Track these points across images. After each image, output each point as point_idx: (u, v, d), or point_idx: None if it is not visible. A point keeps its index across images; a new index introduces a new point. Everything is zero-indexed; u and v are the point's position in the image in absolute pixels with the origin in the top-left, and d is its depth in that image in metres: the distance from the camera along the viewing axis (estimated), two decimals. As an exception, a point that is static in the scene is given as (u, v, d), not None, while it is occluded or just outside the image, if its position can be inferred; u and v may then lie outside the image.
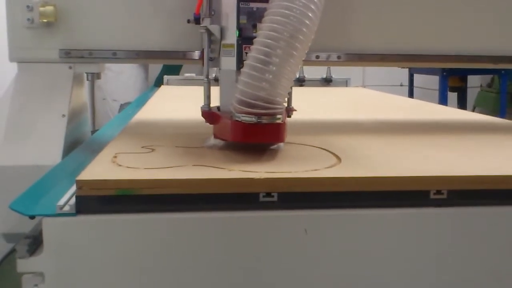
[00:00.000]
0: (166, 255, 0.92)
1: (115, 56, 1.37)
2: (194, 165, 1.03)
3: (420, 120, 1.85)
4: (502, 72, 4.54)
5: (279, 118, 1.07)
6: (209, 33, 1.17)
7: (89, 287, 0.91)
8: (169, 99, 2.19)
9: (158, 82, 3.60)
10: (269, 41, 1.03)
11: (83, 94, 1.58)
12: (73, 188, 0.94)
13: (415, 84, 5.27)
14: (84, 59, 1.36)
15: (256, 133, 1.07)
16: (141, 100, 2.12)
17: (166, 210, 0.92)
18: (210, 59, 1.19)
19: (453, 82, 4.74)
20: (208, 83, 1.21)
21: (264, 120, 1.05)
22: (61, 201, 0.91)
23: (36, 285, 0.92)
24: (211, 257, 0.93)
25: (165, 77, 3.39)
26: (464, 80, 4.95)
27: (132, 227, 0.91)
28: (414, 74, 5.18)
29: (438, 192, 0.98)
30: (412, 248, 0.97)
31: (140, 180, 0.92)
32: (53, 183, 1.04)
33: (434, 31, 1.52)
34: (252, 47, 1.07)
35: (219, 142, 1.20)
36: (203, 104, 1.21)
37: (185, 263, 0.92)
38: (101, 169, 0.98)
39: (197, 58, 1.37)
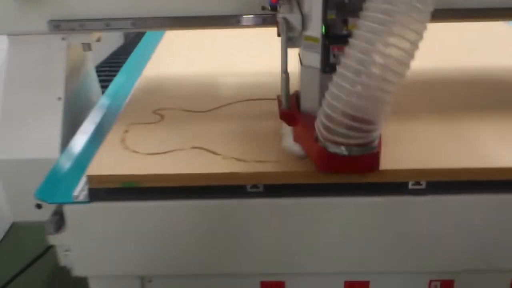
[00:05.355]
0: (163, 234, 1.08)
1: (108, 26, 1.24)
2: (194, 148, 1.13)
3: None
4: None
5: (373, 148, 0.92)
6: (288, 22, 1.00)
7: (103, 256, 1.10)
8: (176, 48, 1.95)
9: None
10: (367, 45, 0.84)
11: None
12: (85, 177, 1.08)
13: None
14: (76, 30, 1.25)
15: (347, 165, 0.93)
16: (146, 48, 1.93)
17: (164, 198, 1.05)
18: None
19: None
20: (287, 79, 1.04)
21: (356, 152, 0.91)
22: (76, 191, 1.06)
23: (67, 250, 1.12)
24: (205, 236, 1.08)
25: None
26: None
27: (136, 212, 1.06)
28: None
29: (417, 183, 1.04)
30: (393, 232, 1.07)
31: (141, 175, 1.04)
32: (68, 170, 1.16)
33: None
34: (347, 50, 0.87)
35: (299, 150, 1.06)
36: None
37: (178, 240, 1.08)
38: (109, 158, 1.09)
39: (202, 24, 1.23)
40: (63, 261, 1.13)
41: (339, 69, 0.88)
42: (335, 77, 0.88)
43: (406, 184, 1.04)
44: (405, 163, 1.04)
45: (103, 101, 1.47)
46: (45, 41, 1.25)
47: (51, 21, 1.22)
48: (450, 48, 1.69)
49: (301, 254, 1.09)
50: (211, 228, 1.07)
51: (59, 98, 1.25)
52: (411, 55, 0.84)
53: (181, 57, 1.71)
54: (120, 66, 1.79)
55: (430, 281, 1.18)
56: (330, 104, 0.88)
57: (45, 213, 1.15)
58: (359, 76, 0.84)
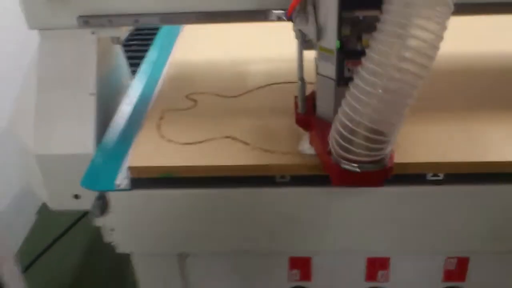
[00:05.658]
0: (199, 217, 1.17)
1: (137, 22, 1.23)
2: (225, 137, 1.20)
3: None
4: None
5: (386, 164, 0.94)
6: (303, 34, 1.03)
7: (144, 235, 1.21)
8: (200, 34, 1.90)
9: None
10: (377, 68, 0.84)
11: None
12: (125, 165, 1.17)
13: None
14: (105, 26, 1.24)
15: (358, 180, 0.96)
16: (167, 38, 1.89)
17: (200, 187, 1.13)
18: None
19: None
20: (303, 86, 1.09)
21: (368, 168, 0.93)
22: (118, 180, 1.15)
23: (111, 230, 1.23)
24: (237, 220, 1.18)
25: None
26: None
27: (173, 199, 1.15)
28: None
29: (435, 175, 1.10)
30: (412, 217, 1.15)
31: (178, 167, 1.12)
32: (108, 158, 1.24)
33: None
34: (360, 71, 0.87)
35: (315, 154, 1.11)
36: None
37: (212, 223, 1.18)
38: (147, 149, 1.18)
39: (230, 19, 1.22)
40: (108, 239, 1.24)
41: (351, 88, 0.89)
42: (348, 95, 0.89)
43: (425, 175, 1.10)
44: (425, 157, 1.10)
45: (135, 85, 1.52)
46: (75, 35, 1.26)
47: (80, 16, 1.23)
48: (471, 33, 1.64)
49: (326, 236, 1.18)
50: (242, 213, 1.17)
51: (91, 94, 1.27)
52: (433, 54, 0.84)
53: (206, 41, 1.72)
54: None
55: (447, 258, 1.27)
56: (343, 122, 0.90)
57: (82, 203, 1.27)
58: (370, 97, 0.85)
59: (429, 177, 1.10)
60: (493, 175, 1.09)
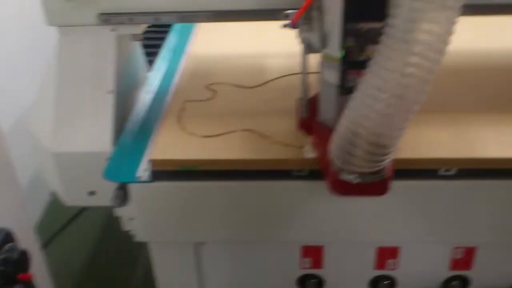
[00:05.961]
0: (217, 208, 1.21)
1: (157, 20, 1.23)
2: (245, 130, 1.23)
3: None
4: None
5: (385, 174, 0.96)
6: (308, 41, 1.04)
7: (162, 225, 1.25)
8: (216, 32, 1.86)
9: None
10: (379, 82, 0.83)
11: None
12: (146, 158, 1.21)
13: None
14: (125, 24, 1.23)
15: (357, 190, 0.97)
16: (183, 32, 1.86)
17: (219, 179, 1.17)
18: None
19: None
20: (305, 91, 1.14)
21: (368, 179, 0.95)
22: (139, 172, 1.19)
23: (130, 219, 1.27)
24: (254, 211, 1.22)
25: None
26: None
27: (192, 191, 1.19)
28: None
29: (447, 170, 1.14)
30: (423, 209, 1.19)
31: (198, 160, 1.15)
32: (129, 151, 1.26)
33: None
34: (362, 84, 0.87)
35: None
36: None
37: (229, 214, 1.22)
38: (168, 141, 1.21)
39: (249, 18, 1.21)
40: (127, 227, 1.28)
41: (352, 101, 0.89)
42: (349, 108, 0.90)
43: (437, 170, 1.14)
44: (437, 152, 1.14)
45: (153, 77, 1.54)
46: (95, 32, 1.25)
47: (101, 14, 1.23)
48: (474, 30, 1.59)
49: (339, 227, 1.23)
50: (259, 205, 1.20)
51: (110, 91, 1.27)
52: (435, 67, 0.82)
53: (222, 34, 1.72)
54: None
55: (454, 247, 1.32)
56: (344, 135, 0.90)
57: (97, 199, 1.30)
58: (371, 111, 0.85)
59: (442, 172, 1.14)
60: (498, 171, 1.14)
